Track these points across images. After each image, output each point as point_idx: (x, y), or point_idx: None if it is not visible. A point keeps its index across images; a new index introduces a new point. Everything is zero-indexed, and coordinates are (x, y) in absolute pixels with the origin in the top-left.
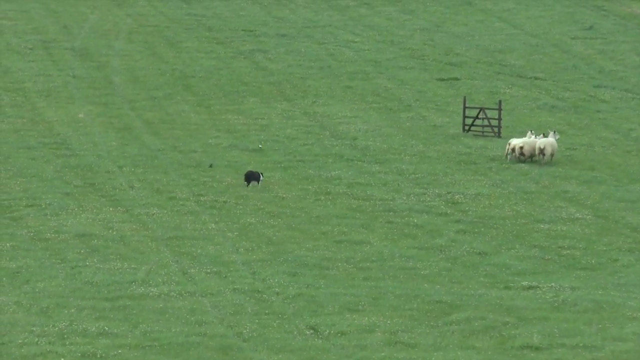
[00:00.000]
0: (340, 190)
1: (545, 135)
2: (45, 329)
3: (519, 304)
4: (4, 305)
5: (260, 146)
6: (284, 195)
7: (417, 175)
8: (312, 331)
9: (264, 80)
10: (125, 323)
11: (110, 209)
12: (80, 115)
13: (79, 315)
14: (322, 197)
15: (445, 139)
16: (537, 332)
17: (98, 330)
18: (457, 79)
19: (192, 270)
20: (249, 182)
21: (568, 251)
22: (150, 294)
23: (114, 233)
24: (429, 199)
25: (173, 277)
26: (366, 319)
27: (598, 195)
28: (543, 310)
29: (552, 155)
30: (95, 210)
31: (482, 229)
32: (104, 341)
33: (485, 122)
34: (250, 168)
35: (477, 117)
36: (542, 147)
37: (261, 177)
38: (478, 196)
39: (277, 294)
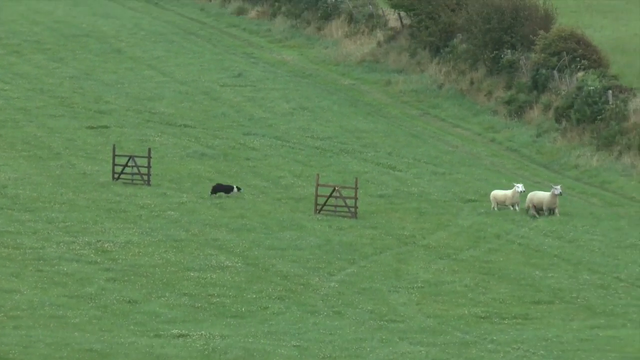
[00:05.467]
0: None
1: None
2: None
3: (169, 352)
4: None
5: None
6: None
7: (67, 224)
8: None
9: None
10: None
11: None
12: None
13: None
14: None
15: (95, 187)
16: None
17: None
18: (106, 127)
19: None
20: (215, 192)
21: (218, 299)
22: None
23: None
24: (78, 247)
25: None
26: None
27: (248, 242)
28: (193, 359)
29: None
30: None
31: (132, 277)
32: None
33: (135, 170)
34: None
35: (126, 165)
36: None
37: (235, 190)
38: (128, 244)
39: None
